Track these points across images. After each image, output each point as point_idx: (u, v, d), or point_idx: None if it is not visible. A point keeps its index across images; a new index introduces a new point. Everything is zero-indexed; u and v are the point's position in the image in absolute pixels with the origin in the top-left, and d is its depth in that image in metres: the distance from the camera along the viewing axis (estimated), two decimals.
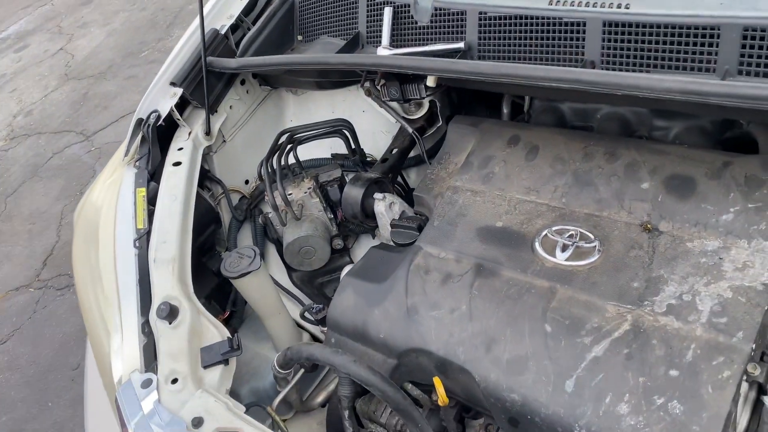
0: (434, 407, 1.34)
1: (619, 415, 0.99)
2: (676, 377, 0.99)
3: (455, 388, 1.23)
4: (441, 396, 1.21)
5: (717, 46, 1.18)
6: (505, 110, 1.72)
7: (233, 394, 1.67)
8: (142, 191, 1.58)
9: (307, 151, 1.96)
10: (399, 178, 1.88)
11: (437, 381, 1.21)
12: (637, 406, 0.99)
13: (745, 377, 1.01)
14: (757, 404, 1.05)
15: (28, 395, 2.96)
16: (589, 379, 1.04)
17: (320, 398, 1.75)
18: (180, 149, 1.69)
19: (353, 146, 1.82)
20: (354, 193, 1.63)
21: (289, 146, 1.72)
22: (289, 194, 1.71)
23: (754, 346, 0.99)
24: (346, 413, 1.41)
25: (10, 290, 3.58)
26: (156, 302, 1.34)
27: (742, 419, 1.04)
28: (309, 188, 1.71)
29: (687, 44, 1.22)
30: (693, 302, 1.06)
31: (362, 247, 1.87)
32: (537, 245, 1.25)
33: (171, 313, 1.31)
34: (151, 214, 1.53)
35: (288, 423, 1.78)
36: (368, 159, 1.87)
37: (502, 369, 1.12)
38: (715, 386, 0.96)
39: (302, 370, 1.50)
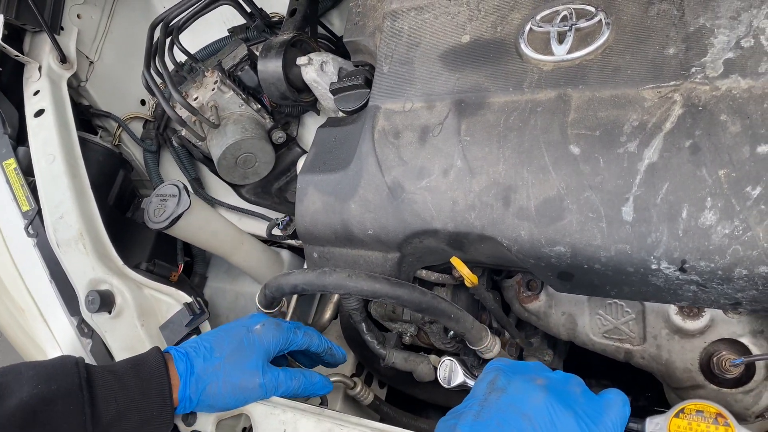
0: (458, 283, 1.10)
1: (706, 227, 0.74)
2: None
3: (480, 258, 0.97)
4: (467, 277, 0.96)
5: None
6: None
7: None
8: (11, 163, 1.20)
9: (198, 40, 1.55)
10: (321, 30, 1.49)
11: (456, 261, 0.95)
12: (727, 208, 0.73)
13: None
14: None
15: None
16: (652, 195, 0.77)
17: (328, 314, 1.51)
18: (36, 93, 1.29)
19: (248, 9, 1.41)
20: (271, 67, 1.26)
21: (168, 39, 1.31)
22: (195, 98, 1.33)
23: None
24: (363, 326, 1.18)
25: None
26: (81, 294, 1.04)
27: None
28: (215, 82, 1.33)
29: None
30: (758, 45, 0.77)
31: (309, 129, 1.53)
32: (523, 47, 0.92)
33: (105, 302, 1.01)
34: (34, 188, 1.18)
35: None
36: (274, 19, 1.47)
37: (534, 221, 0.85)
38: None
39: (295, 296, 1.25)
